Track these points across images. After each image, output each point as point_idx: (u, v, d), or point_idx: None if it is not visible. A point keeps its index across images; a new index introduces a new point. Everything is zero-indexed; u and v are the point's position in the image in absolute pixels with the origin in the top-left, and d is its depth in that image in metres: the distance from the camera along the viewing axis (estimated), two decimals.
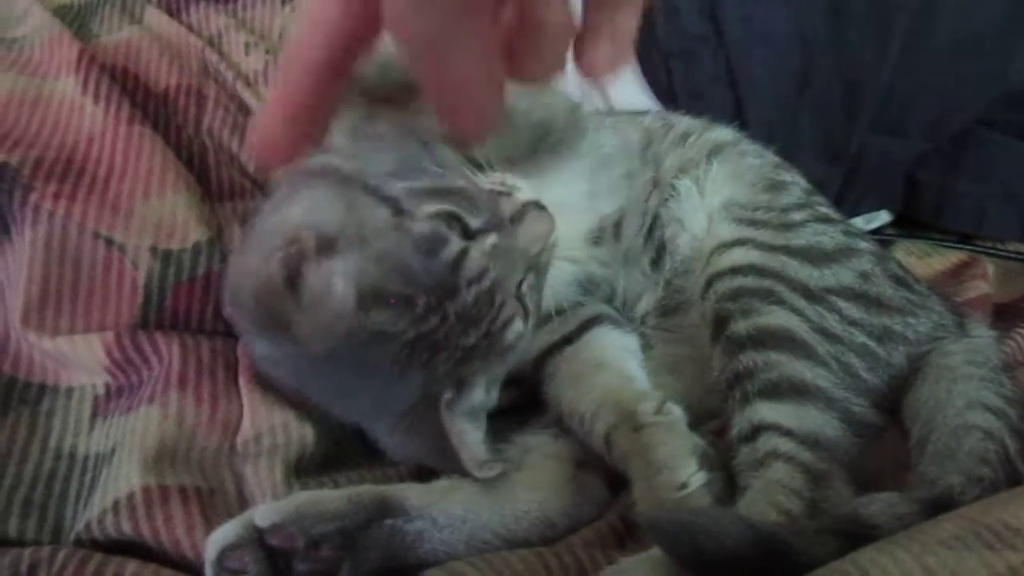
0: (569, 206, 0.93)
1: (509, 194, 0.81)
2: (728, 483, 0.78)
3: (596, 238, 0.97)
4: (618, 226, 0.98)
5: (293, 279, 0.71)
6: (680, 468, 0.74)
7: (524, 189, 0.83)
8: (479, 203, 0.77)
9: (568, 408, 0.85)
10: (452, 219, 0.75)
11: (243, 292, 0.73)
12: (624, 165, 1.01)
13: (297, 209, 0.76)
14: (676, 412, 0.80)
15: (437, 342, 0.74)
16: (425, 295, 0.72)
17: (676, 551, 0.59)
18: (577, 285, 0.96)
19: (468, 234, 0.76)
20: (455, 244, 0.74)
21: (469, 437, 0.79)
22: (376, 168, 0.79)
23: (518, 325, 0.79)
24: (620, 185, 0.99)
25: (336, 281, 0.71)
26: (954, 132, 1.29)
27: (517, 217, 0.80)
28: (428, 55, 0.42)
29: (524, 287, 0.81)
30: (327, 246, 0.72)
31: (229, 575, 0.66)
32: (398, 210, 0.74)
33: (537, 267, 0.82)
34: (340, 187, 0.76)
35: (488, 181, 0.83)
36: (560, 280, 0.93)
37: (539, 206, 0.81)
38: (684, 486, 0.73)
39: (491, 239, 0.76)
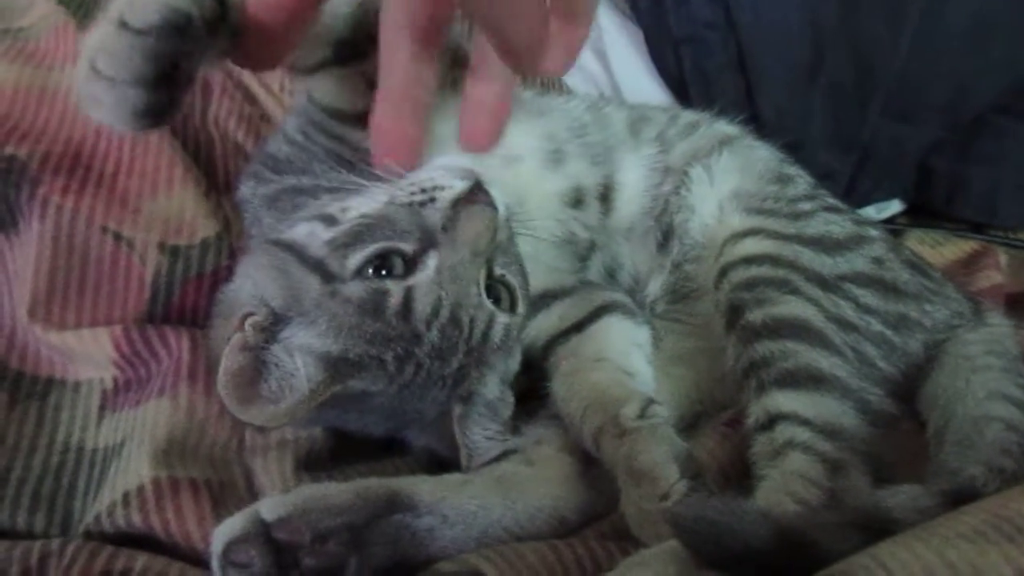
0: (525, 160, 0.95)
1: (433, 199, 0.77)
2: (742, 472, 0.78)
3: (575, 201, 0.97)
4: (606, 197, 0.99)
5: (256, 364, 0.72)
6: (661, 478, 0.72)
7: (452, 180, 0.77)
8: (403, 224, 0.75)
9: (562, 406, 0.84)
10: (384, 256, 0.75)
11: (219, 380, 0.71)
12: (600, 134, 1.01)
13: (247, 283, 0.78)
14: (660, 414, 0.79)
15: (422, 383, 0.76)
16: (390, 350, 0.74)
17: (699, 548, 0.58)
18: (564, 247, 0.96)
19: (406, 260, 0.75)
20: (396, 289, 0.74)
21: (479, 448, 0.81)
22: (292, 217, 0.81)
23: (501, 320, 0.79)
24: (597, 153, 0.99)
25: (298, 359, 0.73)
26: (967, 119, 1.28)
27: (450, 224, 0.76)
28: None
29: (498, 270, 0.80)
30: (279, 321, 0.74)
31: (235, 569, 0.66)
32: (327, 276, 0.74)
33: (498, 249, 0.80)
34: (272, 253, 0.78)
35: (406, 189, 0.77)
36: (544, 241, 0.93)
37: (471, 196, 0.77)
38: (666, 496, 0.71)
39: (431, 262, 0.75)
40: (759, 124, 1.17)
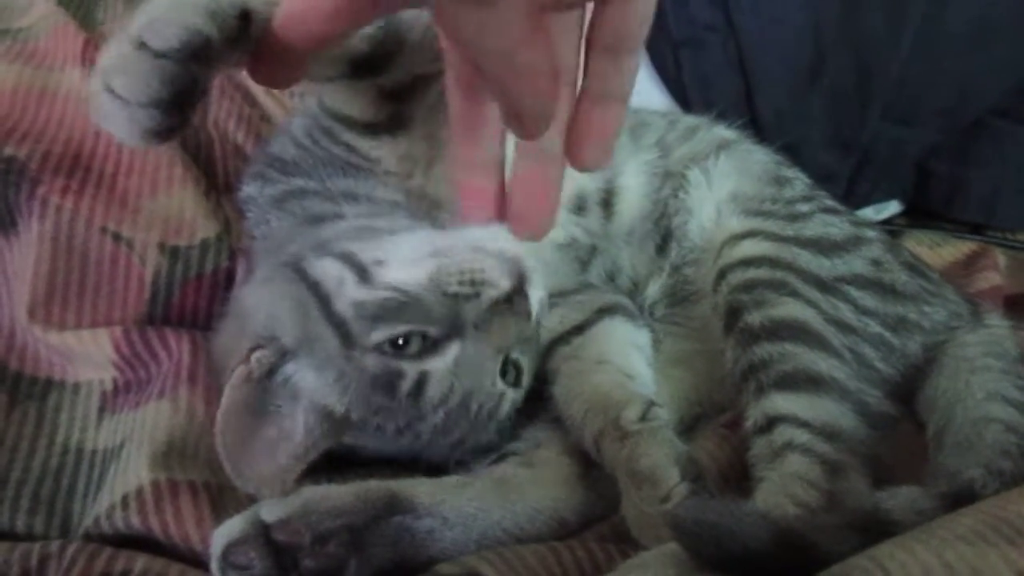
0: None
1: (477, 295, 0.74)
2: (741, 474, 0.78)
3: (577, 207, 0.97)
4: (608, 202, 0.98)
5: (258, 402, 0.72)
6: (662, 481, 0.72)
7: (500, 277, 0.74)
8: (436, 310, 0.73)
9: (562, 409, 0.84)
10: (407, 335, 0.73)
11: (218, 421, 0.71)
12: None
13: (260, 307, 0.78)
14: (661, 417, 0.78)
15: (420, 448, 0.78)
16: (393, 422, 0.75)
17: (698, 550, 0.58)
18: (566, 251, 0.96)
19: (427, 341, 0.74)
20: (411, 372, 0.73)
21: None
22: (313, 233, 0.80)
23: (510, 397, 0.79)
24: None
25: (299, 408, 0.74)
26: (967, 122, 1.28)
27: (482, 323, 0.74)
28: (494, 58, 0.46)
29: (514, 355, 0.80)
30: (287, 354, 0.74)
31: (235, 570, 0.66)
32: (346, 338, 0.73)
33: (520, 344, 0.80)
34: (295, 286, 0.76)
35: (454, 277, 0.74)
36: (546, 250, 0.92)
37: (510, 302, 0.74)
38: (666, 499, 0.71)
39: (452, 351, 0.74)
40: (758, 126, 1.17)
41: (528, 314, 0.76)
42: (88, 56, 1.08)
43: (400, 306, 0.73)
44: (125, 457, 0.79)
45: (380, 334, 0.73)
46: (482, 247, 0.75)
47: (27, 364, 0.89)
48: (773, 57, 1.22)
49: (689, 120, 1.08)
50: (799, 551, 0.58)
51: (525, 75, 0.47)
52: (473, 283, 0.74)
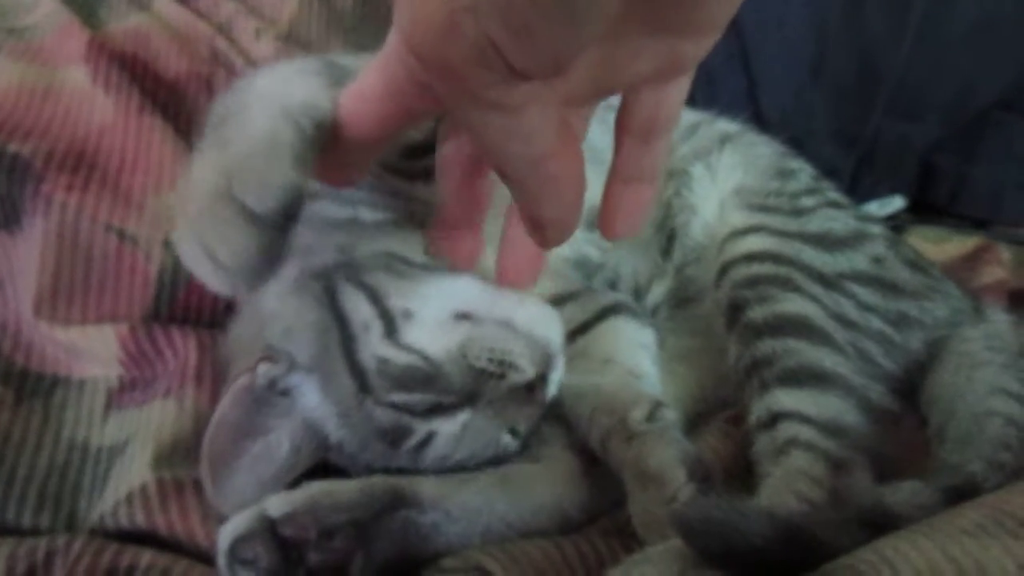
0: None
1: (502, 376, 0.73)
2: (745, 469, 0.78)
3: (589, 223, 0.96)
4: None
5: (252, 415, 0.73)
6: (668, 481, 0.71)
7: (527, 363, 0.73)
8: (457, 383, 0.73)
9: (568, 407, 0.84)
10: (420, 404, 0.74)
11: (209, 430, 0.71)
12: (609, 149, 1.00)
13: (280, 318, 0.76)
14: (668, 417, 0.78)
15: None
16: (385, 464, 0.75)
17: (703, 547, 0.59)
18: (575, 267, 0.96)
19: (442, 404, 0.74)
20: (420, 430, 0.73)
21: None
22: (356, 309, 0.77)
23: (512, 446, 0.79)
24: (606, 169, 0.98)
25: (288, 432, 0.74)
26: (970, 116, 1.28)
27: (497, 402, 0.74)
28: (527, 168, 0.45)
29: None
30: (294, 368, 0.74)
31: (241, 565, 0.66)
32: (363, 386, 0.73)
33: None
34: (322, 314, 0.75)
35: (484, 355, 0.73)
36: (556, 262, 0.92)
37: (529, 391, 0.74)
38: (673, 499, 0.71)
39: (461, 417, 0.74)
40: (762, 122, 1.17)
41: (543, 403, 0.76)
42: (92, 54, 1.08)
43: (424, 377, 0.73)
44: (130, 454, 0.79)
45: (398, 397, 0.72)
46: (513, 326, 0.75)
47: (33, 360, 0.89)
48: (776, 54, 1.22)
49: (690, 116, 1.07)
50: (803, 546, 0.59)
51: (550, 185, 0.46)
52: (502, 364, 0.73)
